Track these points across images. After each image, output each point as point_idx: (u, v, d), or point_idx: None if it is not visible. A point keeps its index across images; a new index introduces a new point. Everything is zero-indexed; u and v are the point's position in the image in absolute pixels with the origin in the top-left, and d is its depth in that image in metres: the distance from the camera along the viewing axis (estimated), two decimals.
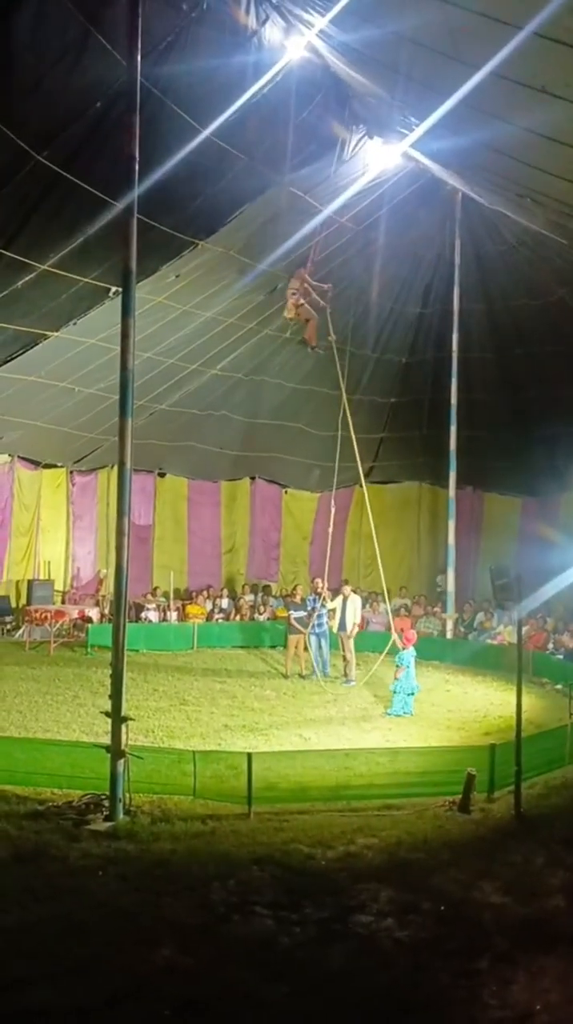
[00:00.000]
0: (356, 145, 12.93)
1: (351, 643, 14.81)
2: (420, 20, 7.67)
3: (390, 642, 13.41)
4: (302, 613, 15.33)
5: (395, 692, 12.47)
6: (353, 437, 14.72)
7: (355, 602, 15.19)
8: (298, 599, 15.84)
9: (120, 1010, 4.74)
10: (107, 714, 8.31)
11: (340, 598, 15.13)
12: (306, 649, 15.14)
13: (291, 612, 15.57)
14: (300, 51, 10.78)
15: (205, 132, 10.90)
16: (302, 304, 14.61)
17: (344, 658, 14.89)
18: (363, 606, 16.52)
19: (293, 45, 10.66)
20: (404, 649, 12.58)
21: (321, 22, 9.67)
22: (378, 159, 13.61)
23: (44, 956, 5.28)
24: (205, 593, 20.04)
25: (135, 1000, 4.83)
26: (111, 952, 5.35)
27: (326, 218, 14.38)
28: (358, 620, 15.20)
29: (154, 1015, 4.68)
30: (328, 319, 15.10)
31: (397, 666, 12.57)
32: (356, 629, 14.98)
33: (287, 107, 11.43)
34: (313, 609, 15.17)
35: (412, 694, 12.46)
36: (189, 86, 10.35)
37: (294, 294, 14.61)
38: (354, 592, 15.58)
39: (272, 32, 10.40)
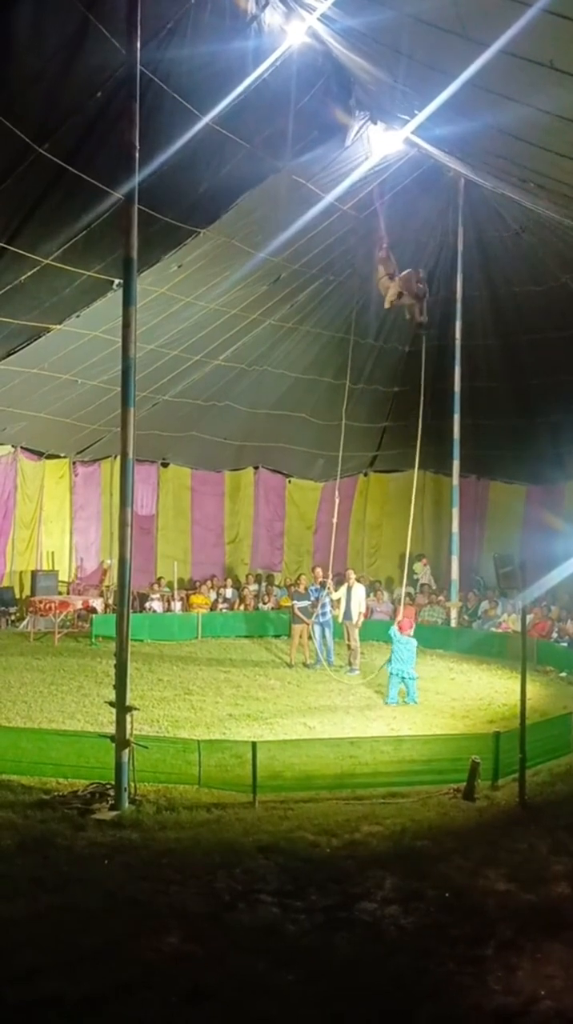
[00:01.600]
0: (358, 131, 12.85)
1: (356, 632, 14.82)
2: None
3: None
4: (306, 602, 15.33)
5: (390, 674, 12.47)
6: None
7: (359, 591, 15.17)
8: (302, 588, 15.83)
9: (130, 998, 4.77)
10: (112, 704, 8.34)
11: (344, 587, 15.13)
12: (310, 638, 15.17)
13: (295, 601, 15.57)
14: (301, 36, 10.69)
15: (205, 119, 10.83)
16: (401, 290, 14.35)
17: (348, 647, 14.91)
18: (367, 595, 16.50)
19: (293, 30, 10.57)
20: (400, 632, 12.61)
21: (323, 5, 9.58)
22: (380, 145, 13.50)
23: (54, 945, 5.31)
24: (209, 583, 20.04)
25: (144, 988, 4.85)
26: (119, 940, 5.38)
27: (334, 206, 14.26)
28: (362, 609, 15.20)
29: (163, 1002, 4.71)
30: (423, 302, 14.92)
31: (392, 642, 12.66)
32: (361, 618, 15.00)
33: (288, 93, 11.34)
34: (317, 598, 15.18)
35: (411, 679, 12.42)
36: (189, 73, 10.26)
37: (386, 279, 14.30)
38: (358, 581, 15.57)
39: (272, 17, 10.32)
